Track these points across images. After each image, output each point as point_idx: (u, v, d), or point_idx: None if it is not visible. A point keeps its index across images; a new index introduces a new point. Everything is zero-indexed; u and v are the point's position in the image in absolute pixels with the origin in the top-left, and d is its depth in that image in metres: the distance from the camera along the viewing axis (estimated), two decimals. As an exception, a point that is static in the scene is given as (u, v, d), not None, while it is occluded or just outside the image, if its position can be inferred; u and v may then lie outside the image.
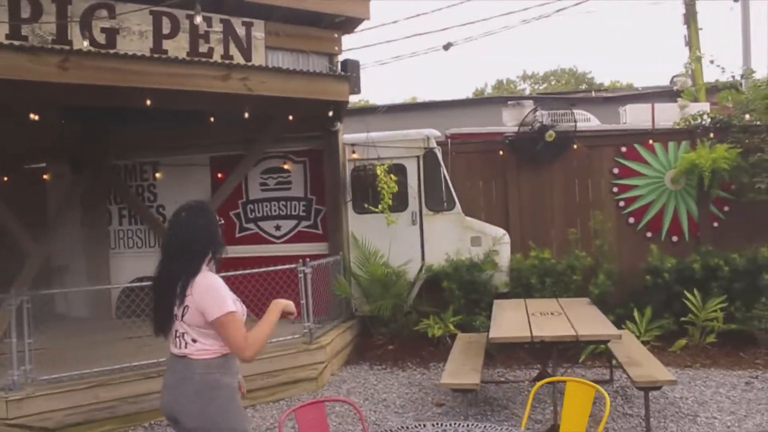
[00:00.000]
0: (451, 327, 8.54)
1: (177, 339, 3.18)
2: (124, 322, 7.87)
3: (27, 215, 8.83)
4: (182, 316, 3.15)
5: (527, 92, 37.02)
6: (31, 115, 7.11)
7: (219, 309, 3.08)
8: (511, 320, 6.27)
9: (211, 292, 3.12)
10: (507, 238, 9.22)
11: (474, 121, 12.87)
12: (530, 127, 9.47)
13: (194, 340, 3.14)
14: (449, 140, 9.92)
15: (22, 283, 7.50)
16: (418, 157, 9.41)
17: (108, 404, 6.40)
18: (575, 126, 9.62)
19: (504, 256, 9.16)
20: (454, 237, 9.27)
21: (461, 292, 8.78)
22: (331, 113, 8.61)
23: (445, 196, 9.31)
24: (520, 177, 9.59)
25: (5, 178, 10.31)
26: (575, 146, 9.39)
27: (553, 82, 42.17)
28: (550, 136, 9.30)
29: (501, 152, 9.63)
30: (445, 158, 9.45)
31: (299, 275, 7.65)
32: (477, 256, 9.06)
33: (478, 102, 19.84)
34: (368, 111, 14.75)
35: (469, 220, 9.32)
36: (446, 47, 12.46)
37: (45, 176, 10.94)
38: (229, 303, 3.14)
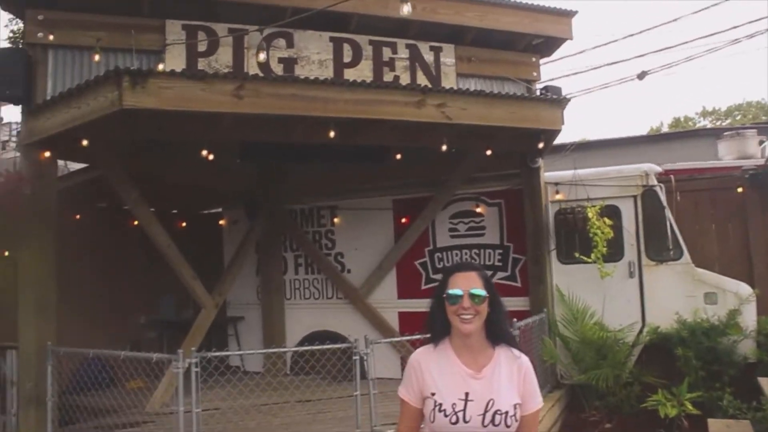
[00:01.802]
0: (689, 406, 6.85)
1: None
2: (303, 379, 7.04)
3: (202, 264, 8.31)
4: None
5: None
6: (204, 153, 6.44)
7: None
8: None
9: None
10: (753, 296, 7.45)
11: (672, 157, 11.24)
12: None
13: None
14: (671, 177, 8.34)
15: (194, 339, 6.80)
16: (635, 197, 7.91)
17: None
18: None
19: (749, 318, 7.40)
20: (681, 293, 7.64)
21: (699, 362, 7.10)
22: (541, 145, 7.36)
23: (670, 243, 7.70)
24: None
25: (182, 225, 9.94)
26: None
27: (738, 117, 38.31)
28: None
29: (740, 189, 7.93)
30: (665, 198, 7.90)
31: (506, 337, 6.37)
32: (715, 316, 7.37)
33: (678, 136, 17.87)
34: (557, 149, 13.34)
35: (701, 271, 7.66)
36: (641, 76, 10.99)
37: (221, 222, 10.53)
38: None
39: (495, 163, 8.17)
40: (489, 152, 7.56)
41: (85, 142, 6.20)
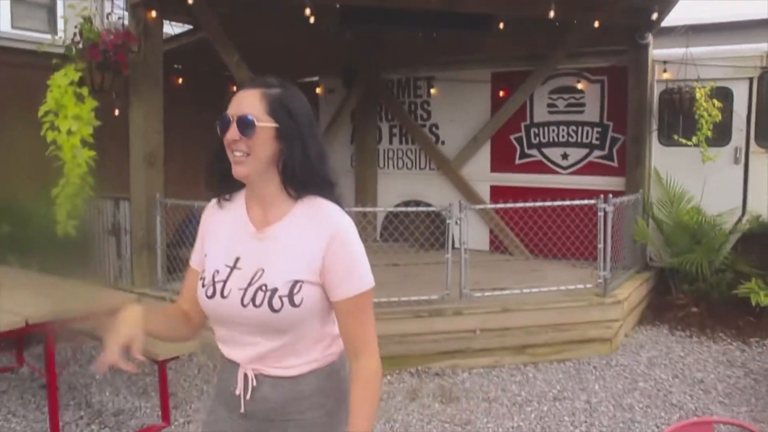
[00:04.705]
0: (782, 295, 6.72)
1: None
2: (392, 245, 7.26)
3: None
4: None
5: None
6: (308, 12, 6.40)
7: None
8: None
9: None
10: None
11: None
12: None
13: None
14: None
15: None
16: (750, 79, 7.44)
17: (373, 341, 5.72)
18: None
19: None
20: (791, 182, 7.31)
21: (799, 253, 6.89)
22: (654, 16, 6.95)
23: (784, 129, 7.30)
24: None
25: (280, 92, 10.09)
26: None
27: None
28: None
29: None
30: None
31: (598, 213, 6.34)
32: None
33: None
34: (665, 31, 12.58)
35: (813, 161, 7.27)
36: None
37: (317, 90, 10.61)
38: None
39: (600, 38, 7.78)
40: (597, 24, 7.20)
41: (190, 1, 6.31)
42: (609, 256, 6.37)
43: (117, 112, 6.96)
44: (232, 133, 1.76)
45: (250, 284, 1.79)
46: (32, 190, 6.37)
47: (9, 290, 4.34)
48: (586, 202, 6.53)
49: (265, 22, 7.70)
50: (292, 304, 1.76)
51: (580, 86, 8.30)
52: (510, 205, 6.63)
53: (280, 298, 1.76)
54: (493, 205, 7.65)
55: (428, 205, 8.09)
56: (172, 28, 8.13)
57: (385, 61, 9.48)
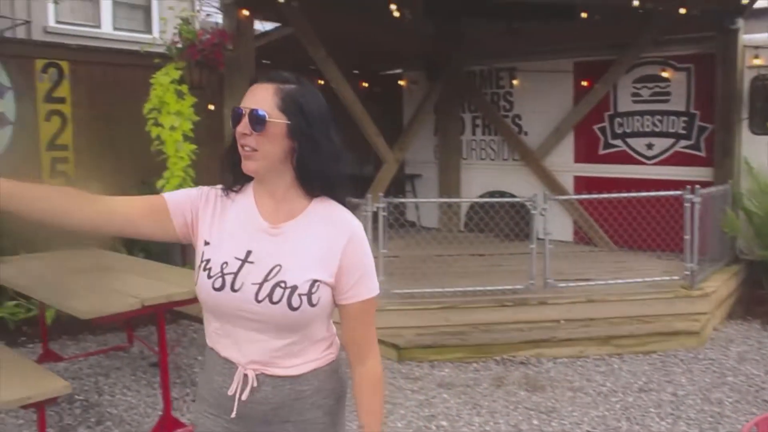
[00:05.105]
0: None
1: None
2: (476, 236, 7.38)
3: (383, 122, 8.65)
4: None
5: None
6: (393, 6, 6.57)
7: None
8: None
9: None
10: None
11: None
12: None
13: None
14: None
15: (378, 189, 7.27)
16: None
17: (458, 329, 5.88)
18: None
19: None
20: None
21: None
22: (745, 0, 6.81)
23: None
24: None
25: (365, 85, 10.31)
26: None
27: None
28: None
29: None
30: None
31: (685, 204, 6.29)
32: None
33: None
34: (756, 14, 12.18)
35: None
36: None
37: (401, 82, 10.78)
38: None
39: (686, 25, 7.62)
40: (683, 11, 7.09)
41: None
42: (696, 248, 6.31)
43: (212, 108, 7.31)
44: (243, 126, 1.71)
45: (266, 280, 1.74)
46: (137, 183, 6.76)
47: (120, 274, 4.70)
48: (672, 193, 6.48)
49: (350, 17, 7.91)
50: (310, 303, 1.74)
51: (665, 74, 8.18)
52: (594, 196, 6.66)
53: (300, 296, 1.72)
54: (576, 196, 7.67)
55: (511, 196, 8.16)
56: (262, 26, 8.46)
57: (467, 53, 9.55)
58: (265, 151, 1.72)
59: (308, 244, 1.78)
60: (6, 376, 3.51)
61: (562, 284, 6.23)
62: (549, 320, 5.99)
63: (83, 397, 4.91)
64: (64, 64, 7.27)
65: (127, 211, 1.78)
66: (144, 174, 6.80)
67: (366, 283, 1.82)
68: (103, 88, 7.50)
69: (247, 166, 1.74)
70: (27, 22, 11.44)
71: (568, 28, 8.06)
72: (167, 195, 1.85)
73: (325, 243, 1.78)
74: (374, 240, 5.87)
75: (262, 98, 1.72)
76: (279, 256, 1.76)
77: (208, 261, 1.78)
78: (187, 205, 1.83)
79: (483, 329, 5.87)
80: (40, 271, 4.82)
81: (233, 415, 1.79)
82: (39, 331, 5.74)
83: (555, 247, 6.28)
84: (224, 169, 1.84)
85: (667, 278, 6.36)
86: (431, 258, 7.12)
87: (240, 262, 1.76)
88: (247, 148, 1.72)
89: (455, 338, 5.76)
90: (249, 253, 1.77)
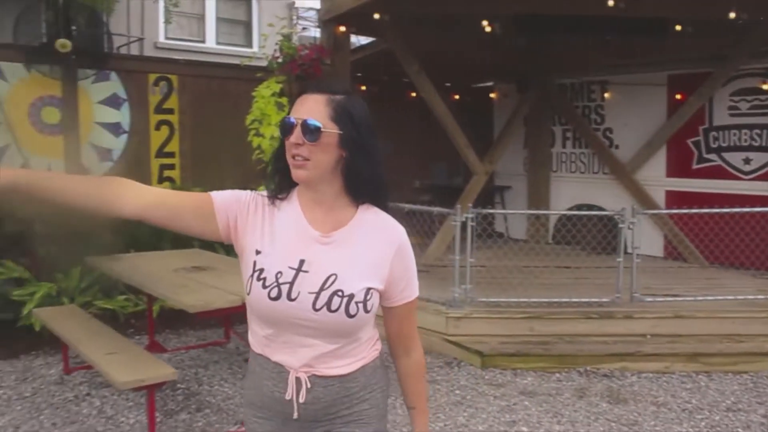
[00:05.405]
0: None
1: None
2: (564, 248, 7.40)
3: (474, 134, 8.79)
4: None
5: None
6: (485, 23, 6.74)
7: None
8: None
9: None
10: None
11: None
12: None
13: None
14: None
15: (468, 200, 7.43)
16: None
17: (542, 339, 5.95)
18: None
19: None
20: None
21: None
22: None
23: None
24: None
25: (456, 97, 10.48)
26: None
27: None
28: None
29: None
30: None
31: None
32: None
33: None
34: None
35: None
36: None
37: (492, 95, 10.89)
38: None
39: (789, 36, 7.47)
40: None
41: (376, 16, 6.86)
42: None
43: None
44: (296, 136, 1.72)
45: (322, 288, 1.76)
46: (240, 189, 7.15)
47: (220, 273, 5.03)
48: (768, 209, 6.35)
49: (442, 32, 8.10)
50: (365, 310, 1.79)
51: (766, 87, 7.98)
52: (685, 210, 6.60)
53: (356, 304, 1.77)
54: (666, 211, 7.58)
55: (600, 209, 8.13)
56: (358, 39, 8.78)
57: (558, 67, 9.60)
58: (317, 160, 1.74)
59: (360, 252, 1.82)
60: (123, 361, 3.89)
61: (649, 299, 6.20)
62: (634, 334, 5.97)
63: (185, 385, 5.29)
64: (173, 78, 7.80)
65: (176, 204, 1.81)
66: (245, 181, 7.19)
67: (411, 286, 1.92)
68: (208, 100, 7.99)
69: (298, 175, 1.76)
70: (140, 39, 12.24)
71: (661, 41, 7.98)
72: (214, 194, 1.86)
73: (376, 251, 1.84)
74: (462, 250, 6.05)
75: (314, 108, 1.74)
76: (333, 265, 1.79)
77: (261, 271, 1.80)
78: (233, 206, 1.85)
79: (567, 340, 5.92)
80: (149, 269, 5.21)
81: (295, 416, 1.84)
82: (146, 323, 6.18)
83: (644, 261, 6.26)
84: (271, 177, 1.87)
85: (762, 297, 6.21)
86: (518, 268, 7.19)
87: (294, 272, 1.78)
88: (298, 158, 1.74)
89: (539, 348, 5.83)
90: (302, 262, 1.79)
